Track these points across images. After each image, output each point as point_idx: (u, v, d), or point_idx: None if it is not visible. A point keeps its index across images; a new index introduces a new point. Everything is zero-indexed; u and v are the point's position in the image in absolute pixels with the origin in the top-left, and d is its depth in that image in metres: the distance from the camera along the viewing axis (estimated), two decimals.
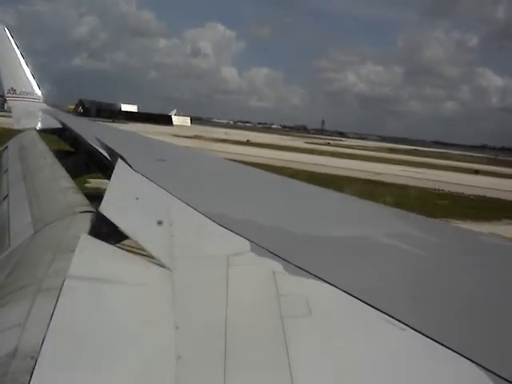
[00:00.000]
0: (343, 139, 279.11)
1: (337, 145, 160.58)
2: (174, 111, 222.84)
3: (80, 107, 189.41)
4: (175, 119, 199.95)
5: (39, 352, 1.55)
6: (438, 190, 47.20)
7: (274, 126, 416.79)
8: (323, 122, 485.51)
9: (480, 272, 2.75)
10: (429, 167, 79.44)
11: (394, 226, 3.57)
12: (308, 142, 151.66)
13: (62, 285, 1.97)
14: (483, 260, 3.04)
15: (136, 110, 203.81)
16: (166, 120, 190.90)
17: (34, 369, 1.48)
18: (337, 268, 2.51)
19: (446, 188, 48.18)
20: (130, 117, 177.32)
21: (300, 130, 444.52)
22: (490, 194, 46.90)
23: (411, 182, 48.76)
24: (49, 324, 1.69)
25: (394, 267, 2.65)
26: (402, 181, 50.07)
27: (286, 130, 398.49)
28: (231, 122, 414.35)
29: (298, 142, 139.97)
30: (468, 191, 47.09)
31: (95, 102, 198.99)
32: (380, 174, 54.74)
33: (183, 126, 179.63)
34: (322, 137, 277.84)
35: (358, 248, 2.94)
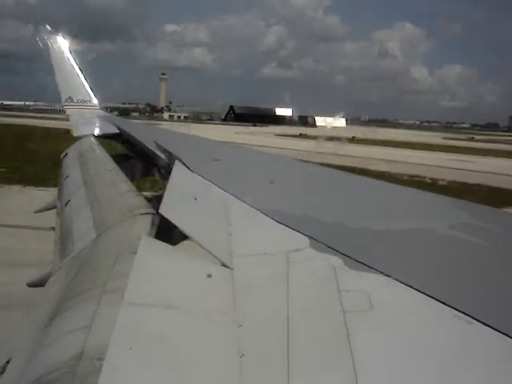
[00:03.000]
0: None
1: (481, 140, 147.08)
2: (342, 113, 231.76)
3: (231, 113, 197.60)
4: (320, 121, 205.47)
5: (105, 353, 1.56)
6: (418, 176, 41.53)
7: (464, 125, 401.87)
8: (511, 118, 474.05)
9: None
10: (494, 155, 76.06)
11: (459, 218, 3.47)
12: (447, 138, 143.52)
13: (126, 286, 1.99)
14: None
15: (290, 114, 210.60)
16: (311, 122, 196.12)
17: (100, 370, 1.49)
18: (398, 261, 2.46)
19: (443, 175, 42.59)
20: (277, 120, 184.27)
21: (491, 128, 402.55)
22: (473, 178, 41.52)
23: (416, 171, 44.77)
24: (114, 325, 1.70)
25: (459, 260, 2.57)
26: (405, 169, 45.60)
27: (477, 128, 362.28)
28: (417, 123, 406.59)
29: (436, 139, 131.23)
30: (461, 178, 41.99)
31: (246, 107, 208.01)
32: (402, 162, 52.59)
33: (332, 127, 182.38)
34: (503, 133, 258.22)
35: (420, 241, 2.87)
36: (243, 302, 2.01)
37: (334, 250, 2.47)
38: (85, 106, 19.31)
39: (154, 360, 1.60)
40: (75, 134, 13.82)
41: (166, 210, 2.97)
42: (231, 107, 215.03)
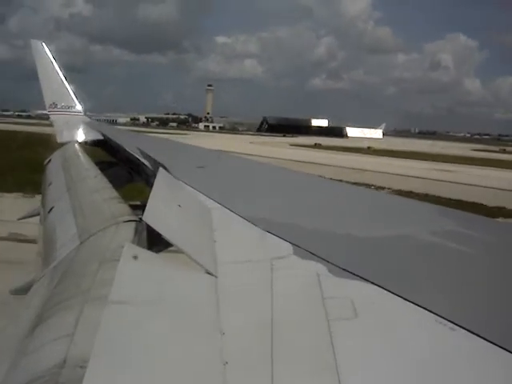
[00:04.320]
0: None
1: None
2: (383, 125, 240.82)
3: (265, 124, 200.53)
4: (356, 132, 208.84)
5: (88, 362, 1.55)
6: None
7: None
8: None
9: None
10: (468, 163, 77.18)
11: (443, 226, 3.50)
12: (475, 150, 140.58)
13: (108, 294, 1.98)
14: None
15: (326, 125, 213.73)
16: (342, 133, 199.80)
17: (82, 379, 1.48)
18: (382, 269, 2.47)
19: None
20: (310, 131, 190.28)
21: None
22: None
23: (366, 178, 44.21)
24: (96, 334, 1.69)
25: (443, 267, 2.59)
26: (360, 177, 44.87)
27: None
28: (468, 135, 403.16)
29: (461, 151, 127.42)
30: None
31: (280, 118, 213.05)
32: (369, 170, 53.50)
33: (362, 138, 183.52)
34: None
35: (404, 248, 2.89)
36: (227, 309, 2.01)
37: (318, 257, 2.48)
38: (69, 112, 19.16)
39: (136, 369, 1.59)
40: (59, 141, 13.69)
41: (149, 217, 2.96)
42: (264, 118, 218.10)
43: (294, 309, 2.04)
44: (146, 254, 2.53)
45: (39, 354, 2.01)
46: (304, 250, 2.59)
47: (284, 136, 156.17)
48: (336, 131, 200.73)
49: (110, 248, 3.08)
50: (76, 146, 11.73)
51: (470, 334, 1.73)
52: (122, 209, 4.30)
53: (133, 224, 3.55)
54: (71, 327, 2.05)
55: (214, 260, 2.50)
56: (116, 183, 6.31)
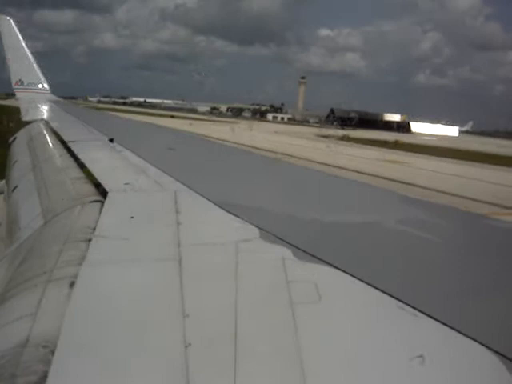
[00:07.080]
0: None
1: None
2: (470, 123, 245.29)
3: (331, 116, 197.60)
4: (417, 127, 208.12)
5: (51, 341, 1.55)
6: None
7: None
8: None
9: (493, 257, 2.73)
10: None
11: (405, 212, 3.56)
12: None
13: (73, 274, 1.97)
14: (497, 245, 3.01)
15: (397, 120, 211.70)
16: (407, 128, 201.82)
17: (52, 357, 1.49)
18: (347, 254, 2.51)
19: None
20: (377, 126, 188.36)
21: None
22: None
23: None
24: (64, 315, 1.69)
25: (406, 253, 2.64)
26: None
27: None
28: None
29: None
30: None
31: (348, 110, 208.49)
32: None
33: (423, 134, 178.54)
34: None
35: (368, 234, 2.93)
36: (190, 291, 2.02)
37: (284, 240, 2.50)
38: (35, 90, 18.86)
39: (101, 349, 1.60)
40: (24, 119, 13.49)
41: (115, 198, 2.96)
42: (331, 110, 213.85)
43: (259, 292, 2.05)
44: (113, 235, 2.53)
45: (1, 333, 2.00)
46: (270, 233, 2.61)
47: (343, 128, 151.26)
48: (403, 126, 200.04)
49: (75, 228, 3.06)
50: (42, 124, 11.55)
51: (431, 319, 1.78)
52: (88, 189, 4.26)
53: (99, 204, 3.52)
54: (34, 307, 2.04)
55: (178, 242, 2.50)
56: (82, 163, 6.24)
